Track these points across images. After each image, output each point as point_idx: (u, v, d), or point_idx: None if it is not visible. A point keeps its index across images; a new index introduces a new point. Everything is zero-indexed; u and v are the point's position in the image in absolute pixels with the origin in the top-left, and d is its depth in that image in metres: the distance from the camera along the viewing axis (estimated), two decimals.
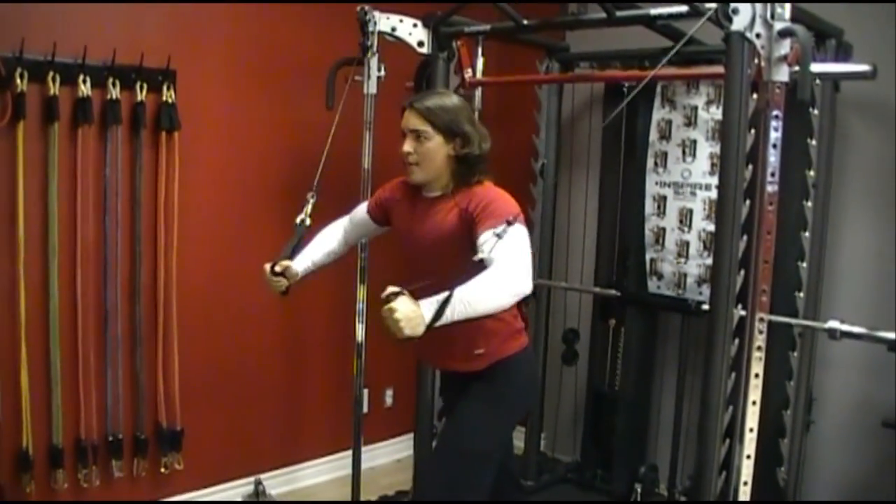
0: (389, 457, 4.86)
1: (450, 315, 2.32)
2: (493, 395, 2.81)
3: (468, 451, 2.76)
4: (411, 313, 2.27)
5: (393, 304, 2.26)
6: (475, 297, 2.36)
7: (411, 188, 2.89)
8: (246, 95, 4.03)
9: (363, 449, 4.08)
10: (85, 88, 3.41)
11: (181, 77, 3.70)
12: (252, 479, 4.27)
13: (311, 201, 3.20)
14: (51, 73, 3.32)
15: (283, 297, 3.06)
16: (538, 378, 2.99)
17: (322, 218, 3.24)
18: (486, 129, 2.85)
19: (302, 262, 3.10)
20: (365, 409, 4.12)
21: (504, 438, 2.91)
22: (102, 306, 3.63)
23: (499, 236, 2.47)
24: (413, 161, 2.74)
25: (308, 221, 3.18)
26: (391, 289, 2.31)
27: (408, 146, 2.74)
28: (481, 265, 2.49)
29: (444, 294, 2.32)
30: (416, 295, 2.74)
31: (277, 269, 2.98)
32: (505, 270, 2.43)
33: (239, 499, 4.20)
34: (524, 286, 2.44)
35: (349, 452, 4.07)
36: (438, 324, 2.31)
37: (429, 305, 2.31)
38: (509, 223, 2.51)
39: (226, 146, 4.00)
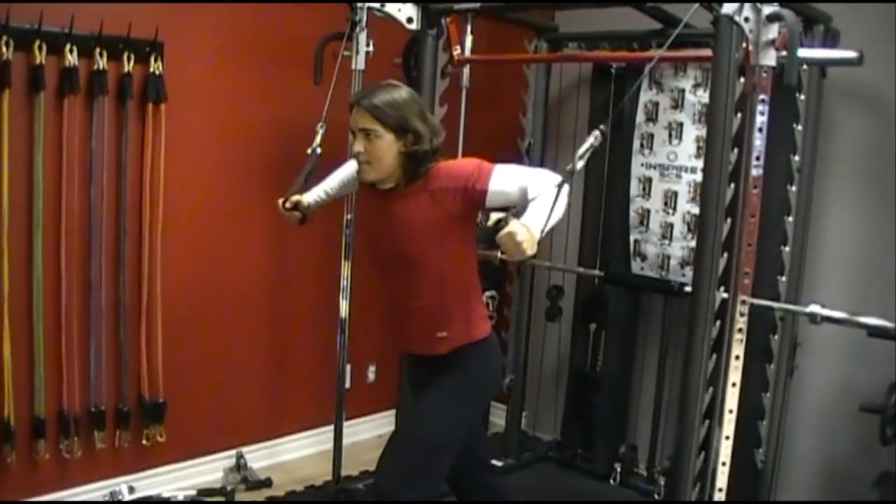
0: (371, 432, 4.88)
1: (547, 223, 2.35)
2: (455, 385, 2.81)
3: (429, 442, 2.78)
4: (528, 233, 2.27)
5: (510, 229, 2.25)
6: (549, 202, 2.37)
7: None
8: (234, 68, 4.01)
9: (345, 424, 4.11)
10: (72, 58, 3.39)
11: (169, 49, 3.68)
12: (234, 452, 4.28)
13: (321, 131, 3.28)
14: (37, 42, 3.30)
15: (302, 224, 3.15)
16: (501, 367, 3.00)
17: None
18: (439, 124, 2.82)
19: (315, 193, 3.20)
20: (347, 385, 4.13)
21: (465, 427, 2.89)
22: (87, 278, 3.62)
23: (501, 181, 2.55)
24: (364, 160, 2.69)
25: (319, 150, 3.27)
26: (496, 215, 2.30)
27: (358, 146, 2.68)
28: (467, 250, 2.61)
29: (536, 206, 2.37)
30: (414, 315, 2.81)
31: (288, 204, 3.06)
32: (544, 177, 2.50)
33: (220, 473, 4.22)
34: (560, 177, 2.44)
35: (331, 427, 4.10)
36: (543, 234, 2.35)
37: (532, 220, 2.33)
38: (488, 170, 2.58)
39: (213, 119, 3.99)
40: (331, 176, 3.25)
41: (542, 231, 2.33)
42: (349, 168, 3.18)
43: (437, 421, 2.80)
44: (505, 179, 2.56)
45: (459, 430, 2.85)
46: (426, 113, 2.76)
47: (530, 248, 2.27)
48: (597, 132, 2.39)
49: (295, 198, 3.09)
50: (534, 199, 2.40)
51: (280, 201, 3.08)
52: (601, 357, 4.46)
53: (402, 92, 2.72)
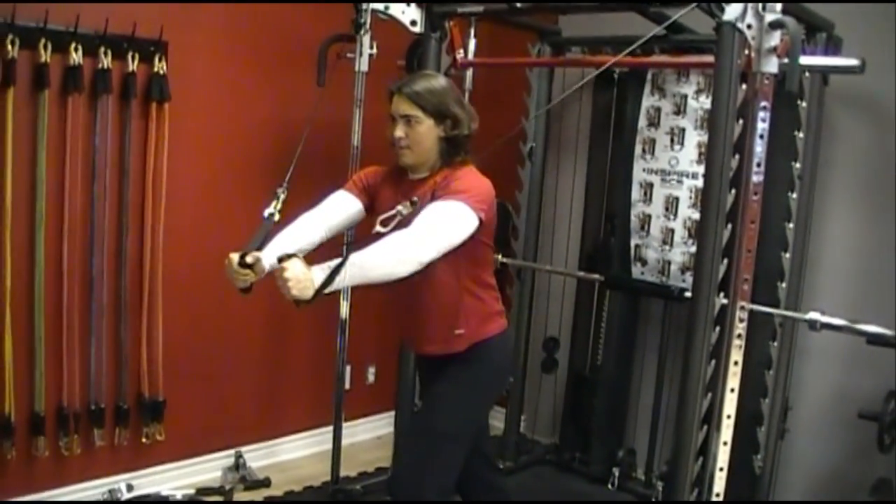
0: (370, 433, 4.88)
1: (341, 280, 2.37)
2: (468, 378, 2.84)
3: (441, 431, 2.80)
4: (301, 275, 2.32)
5: (284, 265, 2.31)
6: (368, 262, 2.41)
7: (392, 173, 2.90)
8: (238, 69, 4.02)
9: (344, 425, 4.12)
10: (76, 56, 3.40)
11: (173, 48, 3.69)
12: (233, 451, 4.28)
13: (282, 196, 2.86)
14: (42, 41, 3.30)
15: (244, 294, 2.67)
16: (513, 361, 3.02)
17: (304, 198, 3.11)
18: (474, 109, 2.87)
19: (273, 253, 2.63)
20: (347, 386, 4.14)
21: (477, 420, 2.94)
22: (88, 275, 3.63)
23: (399, 211, 2.57)
24: (405, 145, 2.74)
25: (277, 217, 2.84)
26: (285, 252, 2.39)
27: (399, 131, 2.73)
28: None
29: (337, 260, 2.37)
30: (430, 314, 2.82)
31: (249, 259, 2.59)
32: (408, 236, 2.48)
33: (218, 472, 4.23)
34: (421, 254, 2.47)
35: (330, 428, 4.11)
36: (330, 289, 2.36)
37: (320, 270, 2.35)
38: (456, 199, 2.57)
39: (216, 119, 4.00)
40: (286, 233, 2.83)
41: (332, 284, 2.37)
42: (313, 223, 2.91)
43: (450, 412, 2.82)
44: (430, 215, 2.55)
45: (472, 420, 2.89)
46: (462, 99, 2.83)
47: (297, 292, 2.33)
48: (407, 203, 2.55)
49: (256, 254, 2.62)
50: (360, 252, 2.41)
51: (234, 257, 2.60)
52: (600, 361, 4.47)
53: (440, 80, 2.81)
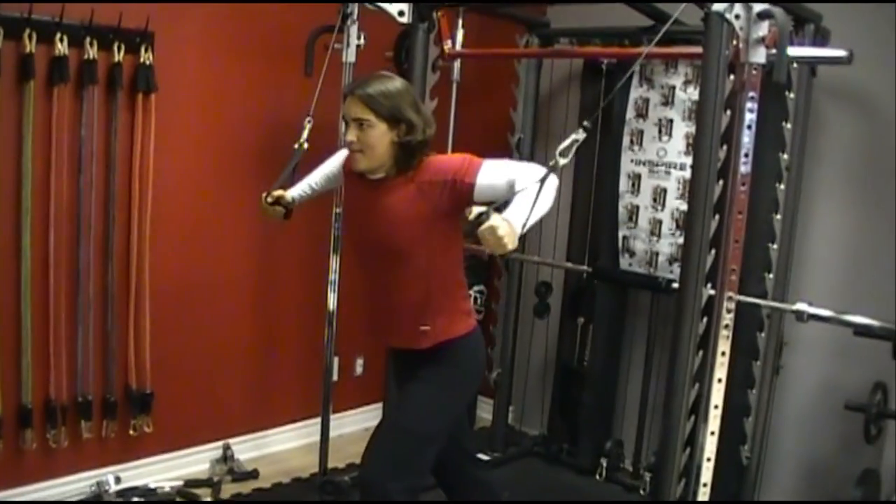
0: (358, 425, 4.88)
1: (529, 220, 2.35)
2: (439, 378, 2.83)
3: (411, 432, 2.79)
4: (509, 227, 2.28)
5: (492, 223, 2.25)
6: (532, 196, 2.35)
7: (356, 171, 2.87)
8: (224, 60, 4.00)
9: (332, 417, 4.12)
10: (62, 47, 3.38)
11: (160, 39, 3.67)
12: (221, 443, 4.28)
13: (308, 125, 3.28)
14: (27, 31, 3.28)
15: (286, 220, 3.14)
16: (485, 361, 3.02)
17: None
18: (431, 115, 2.84)
19: (300, 188, 3.21)
20: (335, 378, 4.14)
21: (449, 420, 2.91)
22: (75, 267, 3.61)
23: (488, 175, 2.57)
24: (357, 149, 2.70)
25: (306, 146, 3.27)
26: (478, 209, 2.30)
27: (351, 135, 2.69)
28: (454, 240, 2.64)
29: (520, 200, 2.37)
30: (398, 308, 2.83)
31: (269, 199, 3.06)
32: (530, 170, 2.51)
33: (206, 464, 4.23)
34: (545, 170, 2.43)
35: (318, 420, 4.12)
36: (525, 229, 2.35)
37: (514, 215, 2.33)
38: (476, 164, 2.61)
39: (203, 110, 3.98)
40: (316, 171, 3.25)
41: (525, 226, 2.33)
42: (334, 162, 3.19)
43: (421, 413, 2.81)
44: (493, 173, 2.57)
45: (443, 422, 2.86)
46: (419, 103, 2.78)
47: (511, 243, 2.28)
48: (580, 129, 2.39)
49: (277, 192, 3.08)
50: (518, 193, 2.40)
51: (263, 196, 3.07)
52: (588, 352, 4.47)
53: (396, 82, 2.73)
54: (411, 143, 2.67)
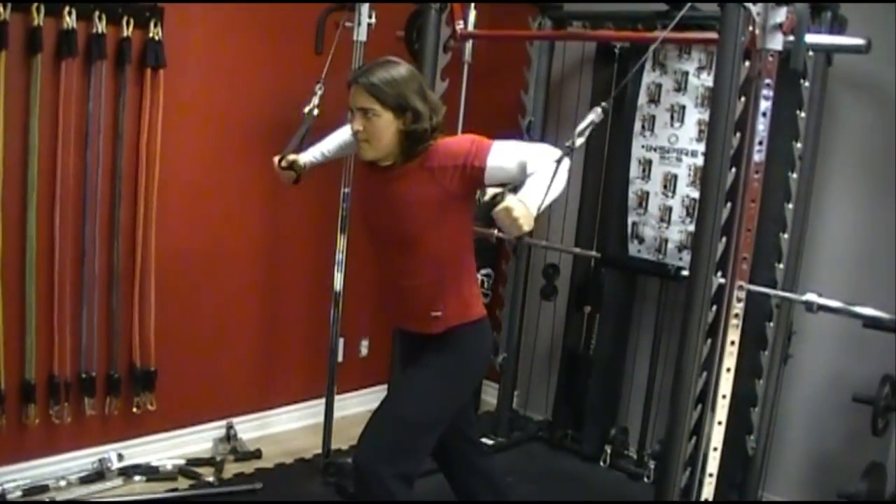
0: (362, 406, 4.85)
1: (545, 202, 2.33)
2: (442, 365, 2.81)
3: (409, 419, 2.77)
4: (524, 209, 2.27)
5: (507, 204, 2.24)
6: (547, 177, 2.34)
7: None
8: (234, 36, 3.97)
9: (336, 398, 4.11)
10: (70, 20, 3.35)
11: (169, 14, 3.64)
12: (224, 422, 4.27)
13: (320, 92, 3.31)
14: (35, 3, 3.25)
15: (295, 185, 3.20)
16: (491, 349, 3.01)
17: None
18: (439, 101, 2.79)
19: (311, 153, 3.23)
20: (340, 359, 4.13)
21: (450, 408, 2.88)
22: (80, 243, 3.60)
23: (499, 158, 2.54)
24: (363, 139, 2.67)
25: (317, 112, 3.30)
26: (493, 190, 2.29)
27: (357, 124, 2.66)
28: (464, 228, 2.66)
29: (534, 181, 2.35)
30: (410, 293, 2.81)
31: (284, 163, 3.11)
32: (545, 152, 2.50)
33: (209, 443, 4.22)
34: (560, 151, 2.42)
35: (322, 400, 4.11)
36: (541, 210, 2.33)
37: (530, 196, 2.31)
38: (486, 146, 2.58)
39: (211, 86, 3.95)
40: (328, 138, 3.26)
41: (540, 207, 2.32)
42: (348, 130, 3.08)
43: (420, 400, 2.80)
44: (504, 155, 2.54)
45: (443, 410, 2.84)
46: (426, 90, 2.73)
47: (527, 224, 2.27)
48: (598, 109, 2.37)
49: (291, 157, 3.14)
50: (532, 175, 2.38)
51: (276, 159, 3.13)
52: (595, 338, 4.45)
53: (401, 69, 2.69)
54: (417, 131, 2.64)
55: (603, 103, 2.37)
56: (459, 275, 2.81)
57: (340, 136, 3.22)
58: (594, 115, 2.36)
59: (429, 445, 2.83)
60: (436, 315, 2.76)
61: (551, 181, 2.32)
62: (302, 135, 3.13)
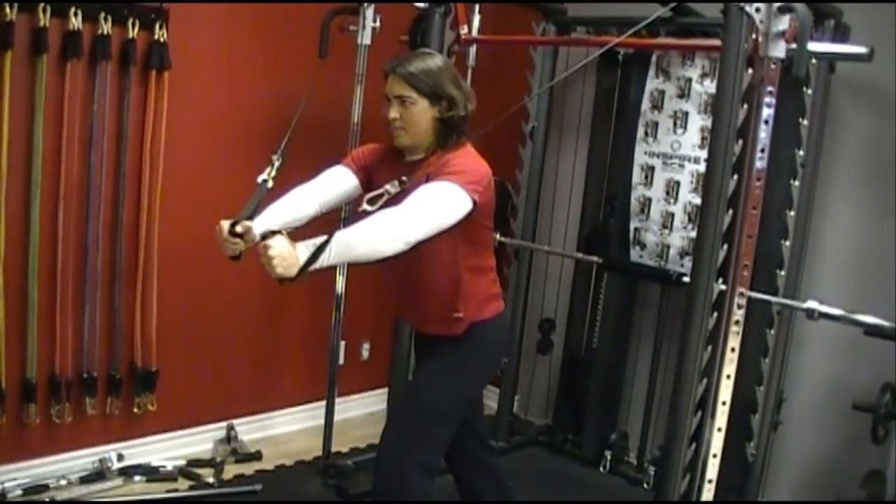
0: (363, 409, 4.88)
1: (325, 258, 2.30)
2: (460, 358, 2.84)
3: (429, 410, 2.79)
4: (286, 253, 2.25)
5: (269, 242, 2.25)
6: (353, 240, 2.35)
7: (389, 154, 2.87)
8: (238, 39, 3.98)
9: (337, 400, 4.12)
10: (76, 21, 3.36)
11: (174, 16, 3.65)
12: (225, 423, 4.28)
13: (277, 163, 2.86)
14: (41, 4, 3.26)
15: (234, 261, 2.66)
16: (507, 343, 3.01)
17: (303, 172, 3.04)
18: (471, 89, 2.82)
19: (264, 223, 2.64)
20: (341, 361, 4.13)
21: (467, 400, 2.93)
22: (83, 243, 3.60)
23: (421, 193, 2.48)
24: (399, 126, 2.71)
25: (270, 183, 2.84)
26: (270, 229, 2.34)
27: (394, 112, 2.70)
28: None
29: (322, 237, 2.31)
30: (430, 298, 2.81)
31: (239, 229, 2.55)
32: (396, 214, 2.41)
33: (209, 444, 4.22)
34: (408, 233, 2.40)
35: (323, 403, 4.11)
36: (314, 267, 2.29)
37: (304, 248, 2.29)
38: (450, 179, 2.51)
39: (215, 88, 3.96)
40: (281, 202, 2.83)
41: (316, 262, 2.30)
42: (308, 196, 2.89)
43: (438, 390, 2.82)
44: (424, 196, 2.49)
45: (460, 400, 2.87)
46: (459, 79, 2.78)
47: (282, 270, 2.26)
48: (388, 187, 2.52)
49: (247, 223, 2.57)
50: (351, 231, 2.37)
51: (225, 224, 2.57)
52: (596, 343, 4.45)
53: (437, 59, 2.76)
54: (454, 118, 2.70)
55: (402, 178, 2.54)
56: (477, 274, 2.82)
57: (297, 205, 2.86)
58: (390, 186, 2.50)
59: (448, 437, 2.85)
60: (458, 316, 2.78)
61: (349, 247, 2.34)
62: (254, 205, 2.73)
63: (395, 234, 2.39)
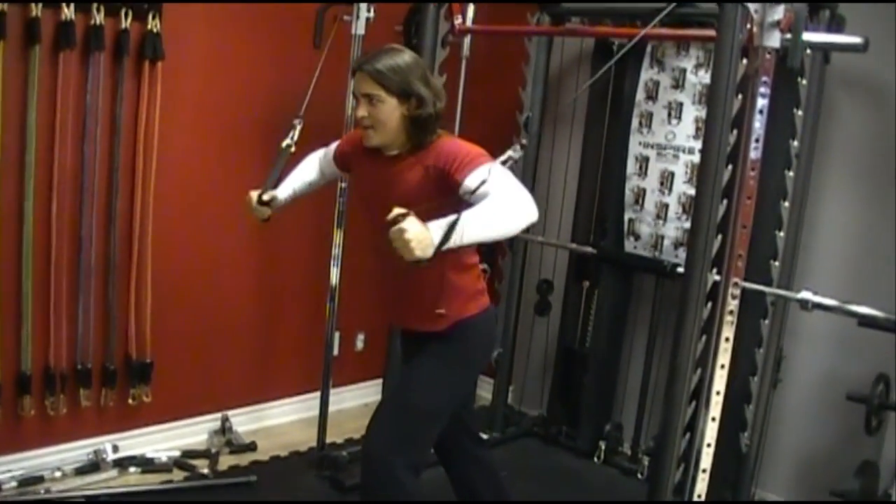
0: (357, 400, 4.88)
1: (458, 238, 2.26)
2: (448, 354, 2.82)
3: (416, 407, 2.78)
4: (421, 235, 2.21)
5: (403, 225, 2.21)
6: (486, 219, 2.33)
7: (370, 147, 2.83)
8: (232, 29, 3.97)
9: (332, 391, 4.12)
10: (68, 12, 3.34)
11: (168, 7, 3.63)
12: (219, 415, 4.28)
13: (298, 127, 3.23)
14: None
15: (265, 223, 3.11)
16: (495, 339, 3.00)
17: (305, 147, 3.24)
18: (441, 87, 2.80)
19: (285, 191, 3.12)
20: (336, 352, 4.13)
21: (455, 397, 2.91)
22: (77, 235, 3.59)
23: (484, 180, 2.43)
24: (368, 125, 2.68)
25: (293, 148, 3.22)
26: (398, 210, 2.25)
27: (362, 111, 2.67)
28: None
29: (452, 217, 2.27)
30: (413, 293, 2.82)
31: (266, 197, 2.99)
32: (511, 196, 2.41)
33: (204, 435, 4.22)
34: (532, 210, 2.42)
35: (318, 394, 4.11)
36: (447, 246, 2.26)
37: (437, 228, 2.25)
38: (474, 163, 2.51)
39: (209, 79, 3.94)
40: (295, 172, 3.19)
41: (449, 241, 2.27)
42: (314, 167, 3.20)
43: (427, 388, 2.80)
44: (479, 180, 2.48)
45: (449, 398, 2.85)
46: (429, 76, 2.74)
47: (420, 251, 2.23)
48: (517, 146, 2.46)
49: (272, 192, 3.02)
50: (473, 212, 2.34)
51: (254, 195, 3.00)
52: (590, 334, 4.46)
53: (405, 56, 2.70)
54: (422, 116, 2.65)
55: (524, 140, 2.51)
56: (463, 271, 2.81)
57: (307, 174, 3.20)
58: (512, 152, 2.44)
59: (434, 435, 2.85)
60: (440, 312, 2.77)
61: (481, 227, 2.32)
62: (280, 169, 3.06)
63: (525, 211, 2.41)
